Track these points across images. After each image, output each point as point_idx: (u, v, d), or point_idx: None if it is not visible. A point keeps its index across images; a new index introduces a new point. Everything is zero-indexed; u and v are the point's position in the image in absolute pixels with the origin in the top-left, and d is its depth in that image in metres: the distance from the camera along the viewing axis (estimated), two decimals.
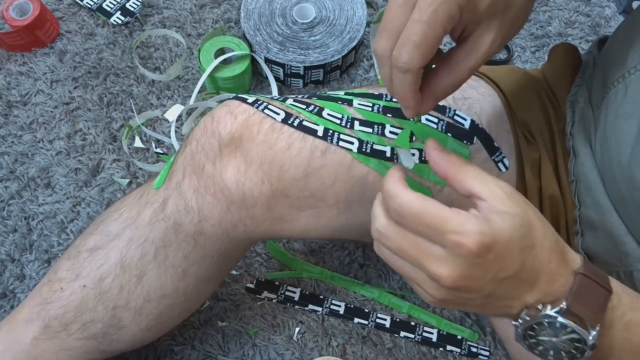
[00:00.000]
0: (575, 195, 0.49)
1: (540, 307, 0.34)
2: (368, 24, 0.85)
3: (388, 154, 0.46)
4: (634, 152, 0.43)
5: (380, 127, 0.47)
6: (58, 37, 0.83)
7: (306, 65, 0.76)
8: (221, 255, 0.49)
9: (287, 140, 0.45)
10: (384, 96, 0.49)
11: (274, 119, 0.45)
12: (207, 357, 0.65)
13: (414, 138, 0.46)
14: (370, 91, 0.50)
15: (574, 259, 0.36)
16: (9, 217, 0.72)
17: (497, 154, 0.49)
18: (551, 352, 0.36)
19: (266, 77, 0.80)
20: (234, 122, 0.46)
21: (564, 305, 0.34)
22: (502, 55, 0.84)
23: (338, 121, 0.46)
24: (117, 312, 0.47)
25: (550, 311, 0.34)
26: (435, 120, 0.48)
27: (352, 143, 0.45)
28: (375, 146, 0.46)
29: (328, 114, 0.47)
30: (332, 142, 0.45)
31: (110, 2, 0.85)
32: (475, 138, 0.48)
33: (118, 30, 0.84)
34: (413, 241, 0.34)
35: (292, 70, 0.77)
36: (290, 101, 0.48)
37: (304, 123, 0.45)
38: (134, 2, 0.85)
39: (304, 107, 0.47)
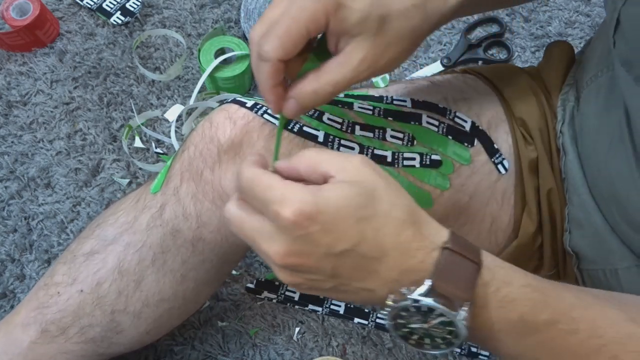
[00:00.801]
0: (566, 193, 0.49)
1: (404, 290, 0.31)
2: None
3: (389, 159, 0.45)
4: (609, 150, 0.43)
5: (381, 131, 0.46)
6: (58, 37, 0.83)
7: None
8: (220, 260, 0.49)
9: (287, 147, 0.44)
10: (384, 99, 0.49)
11: (274, 124, 0.45)
12: (207, 357, 0.65)
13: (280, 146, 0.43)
14: (370, 93, 0.50)
15: (438, 232, 0.33)
16: (9, 217, 0.72)
17: (497, 155, 0.49)
18: (427, 341, 0.34)
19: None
20: (233, 128, 0.45)
21: (428, 284, 0.31)
22: (502, 56, 0.84)
23: (339, 126, 0.46)
24: (116, 316, 0.47)
25: (414, 294, 0.31)
26: (436, 123, 0.48)
27: (352, 148, 0.45)
28: (376, 151, 0.45)
29: (328, 119, 0.46)
30: (332, 147, 0.45)
31: (110, 2, 0.85)
32: (475, 140, 0.48)
33: (118, 30, 0.84)
34: (249, 219, 0.32)
35: None
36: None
37: (305, 128, 0.45)
38: (134, 2, 0.85)
39: None
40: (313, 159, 0.33)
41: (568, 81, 0.53)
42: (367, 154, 0.45)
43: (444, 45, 0.85)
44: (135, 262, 0.46)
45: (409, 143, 0.46)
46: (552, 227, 0.51)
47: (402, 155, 0.46)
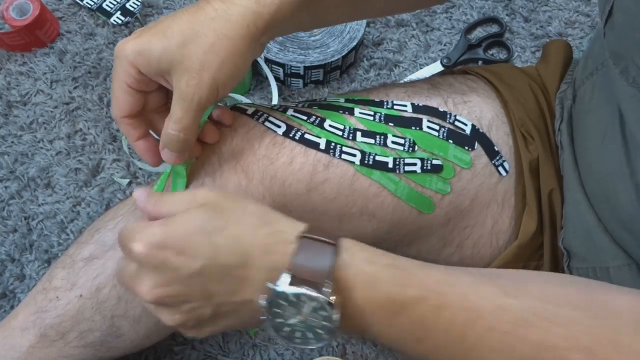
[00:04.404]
0: (563, 191, 0.50)
1: (270, 285, 0.32)
2: (368, 24, 0.85)
3: (390, 165, 0.45)
4: (601, 147, 0.44)
5: (382, 137, 0.46)
6: (58, 37, 0.83)
7: (306, 65, 0.76)
8: None
9: (289, 155, 0.44)
10: (385, 103, 0.49)
11: (275, 132, 0.45)
12: (207, 357, 0.65)
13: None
14: (371, 97, 0.50)
15: (295, 226, 0.34)
16: (9, 217, 0.72)
17: (497, 157, 0.49)
18: (309, 335, 0.34)
19: (266, 77, 0.80)
20: (234, 136, 0.45)
21: (288, 272, 0.32)
22: (502, 56, 0.84)
23: (340, 133, 0.46)
24: (116, 321, 0.47)
25: (279, 286, 0.31)
26: (437, 127, 0.48)
27: (354, 155, 0.45)
28: (377, 157, 0.45)
29: (330, 125, 0.46)
30: (334, 155, 0.45)
31: (110, 2, 0.85)
32: (476, 143, 0.48)
33: (118, 30, 0.84)
34: (123, 271, 0.35)
35: (292, 70, 0.77)
36: (290, 112, 0.47)
37: (306, 136, 0.45)
38: (134, 2, 0.85)
39: (305, 118, 0.46)
40: (160, 205, 0.36)
41: (566, 79, 0.53)
42: (368, 161, 0.45)
43: (444, 45, 0.85)
44: None
45: (410, 148, 0.46)
46: (552, 227, 0.51)
47: (404, 161, 0.46)
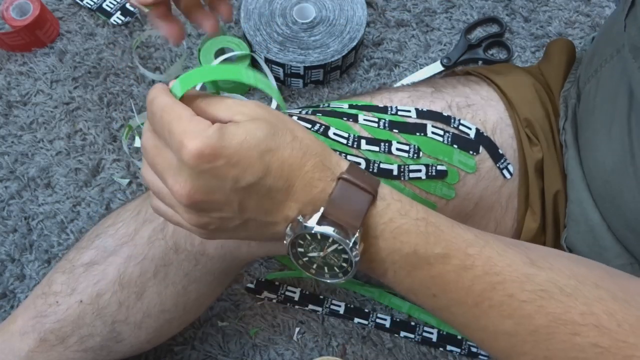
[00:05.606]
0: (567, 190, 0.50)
1: (300, 218, 0.32)
2: (368, 24, 0.85)
3: (395, 172, 0.45)
4: (607, 145, 0.43)
5: (386, 144, 0.46)
6: (58, 37, 0.83)
7: (306, 65, 0.76)
8: (222, 273, 0.48)
9: None
10: (389, 109, 0.49)
11: None
12: (207, 357, 0.65)
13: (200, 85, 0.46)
14: (374, 102, 0.50)
15: (339, 164, 0.34)
16: (9, 217, 0.72)
17: (502, 161, 0.49)
18: (325, 270, 0.34)
19: (266, 77, 0.80)
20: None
21: (320, 211, 0.32)
22: (502, 56, 0.84)
23: (344, 141, 0.46)
24: (116, 326, 0.47)
25: (308, 222, 0.32)
26: (441, 132, 0.48)
27: (359, 164, 0.45)
28: (382, 165, 0.45)
29: (334, 134, 0.46)
30: None
31: (110, 2, 0.85)
32: (481, 147, 0.48)
33: (118, 30, 0.84)
34: (159, 151, 0.32)
35: (292, 70, 0.77)
36: (294, 119, 0.47)
37: None
38: None
39: (309, 126, 0.46)
40: (213, 105, 0.33)
41: (569, 78, 0.53)
42: (372, 169, 0.45)
43: (444, 45, 0.85)
44: (137, 275, 0.46)
45: (415, 155, 0.46)
46: (555, 226, 0.51)
47: (408, 167, 0.46)
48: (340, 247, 0.32)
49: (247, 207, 0.32)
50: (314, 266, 0.34)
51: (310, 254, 0.34)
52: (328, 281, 0.35)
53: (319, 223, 0.32)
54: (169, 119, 0.31)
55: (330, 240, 0.32)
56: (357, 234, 0.32)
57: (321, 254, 0.33)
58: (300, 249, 0.33)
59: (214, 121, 0.32)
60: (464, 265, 0.33)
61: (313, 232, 0.32)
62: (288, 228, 0.33)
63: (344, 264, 0.33)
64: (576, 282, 0.32)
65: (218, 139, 0.30)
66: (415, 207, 0.34)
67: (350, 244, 0.31)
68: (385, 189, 0.34)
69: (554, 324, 0.31)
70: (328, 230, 0.31)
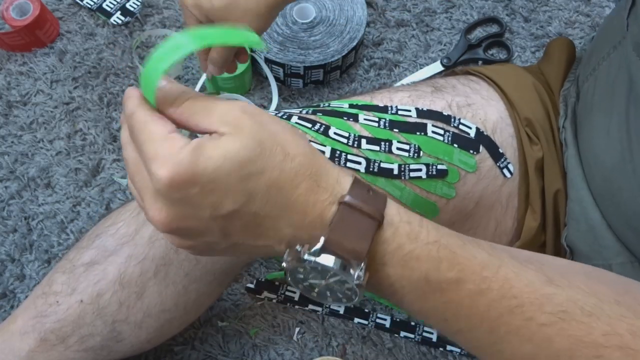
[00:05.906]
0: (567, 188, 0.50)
1: (298, 248, 0.29)
2: (368, 24, 0.85)
3: (395, 172, 0.45)
4: (606, 143, 0.44)
5: (387, 144, 0.46)
6: (58, 37, 0.83)
7: (306, 65, 0.76)
8: (223, 272, 0.48)
9: None
10: (389, 109, 0.49)
11: None
12: (207, 357, 0.65)
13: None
14: (375, 102, 0.50)
15: (339, 182, 0.30)
16: (9, 217, 0.72)
17: (502, 160, 0.49)
18: (328, 294, 0.32)
19: (266, 77, 0.80)
20: None
21: (321, 242, 0.29)
22: (502, 56, 0.84)
23: (345, 140, 0.46)
24: (117, 326, 0.47)
25: (307, 254, 0.29)
26: (441, 132, 0.48)
27: (359, 163, 0.45)
28: (382, 164, 0.45)
29: (334, 133, 0.46)
30: (339, 163, 0.45)
31: (110, 2, 0.85)
32: (481, 147, 0.48)
33: (118, 30, 0.84)
34: (138, 169, 0.30)
35: (292, 70, 0.77)
36: (295, 119, 0.47)
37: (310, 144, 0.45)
38: (134, 2, 0.85)
39: (309, 126, 0.46)
40: (192, 112, 0.30)
41: (569, 77, 0.53)
42: (373, 168, 0.45)
43: (444, 45, 0.85)
44: (137, 274, 0.46)
45: (415, 154, 0.46)
46: (555, 225, 0.51)
47: (409, 167, 0.46)
48: (343, 279, 0.30)
49: (231, 233, 0.30)
50: (316, 290, 0.32)
51: (311, 281, 0.31)
52: (330, 304, 0.33)
53: (319, 254, 0.29)
54: (142, 139, 0.29)
55: (332, 272, 0.29)
56: (362, 265, 0.29)
57: (323, 282, 0.31)
58: (299, 275, 0.31)
59: (198, 131, 0.29)
60: (479, 289, 0.30)
61: (312, 265, 0.29)
62: (286, 254, 0.30)
63: (348, 292, 0.31)
64: (596, 300, 0.30)
65: (189, 164, 0.27)
66: (425, 227, 0.31)
67: (354, 278, 0.29)
68: (392, 209, 0.31)
69: (575, 347, 0.29)
70: (329, 262, 0.29)
